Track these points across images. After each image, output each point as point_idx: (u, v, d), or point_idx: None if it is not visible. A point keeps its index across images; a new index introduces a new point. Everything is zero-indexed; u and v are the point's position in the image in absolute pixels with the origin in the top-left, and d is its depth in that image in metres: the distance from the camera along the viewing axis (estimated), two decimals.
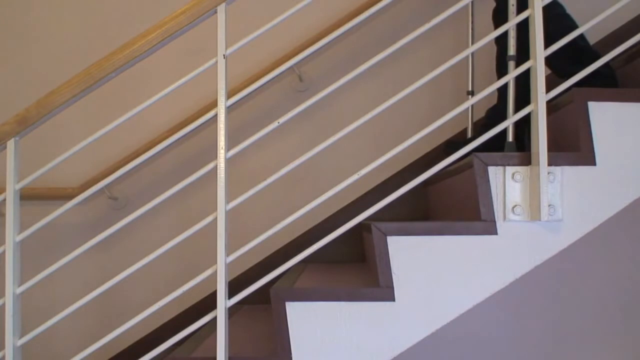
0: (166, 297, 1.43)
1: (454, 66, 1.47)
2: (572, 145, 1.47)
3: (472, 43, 2.18)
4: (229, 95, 1.45)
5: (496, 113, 1.89)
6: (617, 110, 1.44)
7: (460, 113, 1.49)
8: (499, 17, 1.92)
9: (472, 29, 2.19)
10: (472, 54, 2.19)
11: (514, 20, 1.53)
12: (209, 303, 1.43)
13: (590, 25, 1.47)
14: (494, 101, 2.02)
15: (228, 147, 1.43)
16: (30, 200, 2.18)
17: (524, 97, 1.51)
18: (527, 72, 1.46)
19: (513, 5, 1.65)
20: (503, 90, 1.75)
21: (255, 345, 1.62)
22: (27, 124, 1.43)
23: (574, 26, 1.81)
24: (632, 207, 1.43)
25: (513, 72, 1.51)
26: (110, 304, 2.30)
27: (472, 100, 1.48)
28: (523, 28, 1.54)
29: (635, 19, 2.27)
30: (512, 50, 1.67)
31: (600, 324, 2.07)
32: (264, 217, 2.31)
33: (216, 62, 1.43)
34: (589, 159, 1.42)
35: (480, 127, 2.04)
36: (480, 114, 2.23)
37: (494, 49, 1.98)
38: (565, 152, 1.43)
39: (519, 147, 1.65)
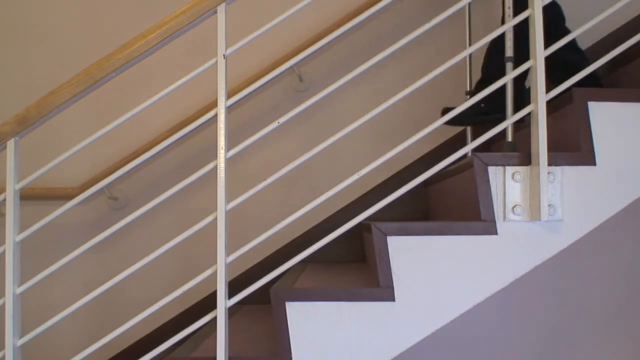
0: (166, 297, 1.43)
1: (453, 66, 1.47)
2: (572, 145, 1.48)
3: (470, 44, 2.18)
4: (229, 95, 1.45)
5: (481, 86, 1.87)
6: (617, 110, 1.44)
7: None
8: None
9: (469, 29, 2.19)
10: (470, 54, 2.19)
11: (511, 21, 1.52)
12: (209, 303, 1.43)
13: (590, 26, 1.47)
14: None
15: (228, 147, 1.43)
16: (30, 200, 2.18)
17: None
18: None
19: (509, 8, 1.65)
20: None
21: (255, 345, 1.62)
22: (27, 124, 1.43)
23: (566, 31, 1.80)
24: (632, 207, 1.43)
25: (512, 73, 1.51)
26: (110, 304, 2.30)
27: (471, 100, 1.48)
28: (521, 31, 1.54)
29: (636, 19, 2.28)
30: (509, 51, 1.67)
31: (600, 324, 2.08)
32: (264, 217, 2.31)
33: (216, 62, 1.43)
34: (589, 159, 1.42)
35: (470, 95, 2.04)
36: None
37: None
38: (565, 152, 1.43)
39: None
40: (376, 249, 1.42)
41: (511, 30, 1.66)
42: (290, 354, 1.41)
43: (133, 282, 2.04)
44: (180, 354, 1.56)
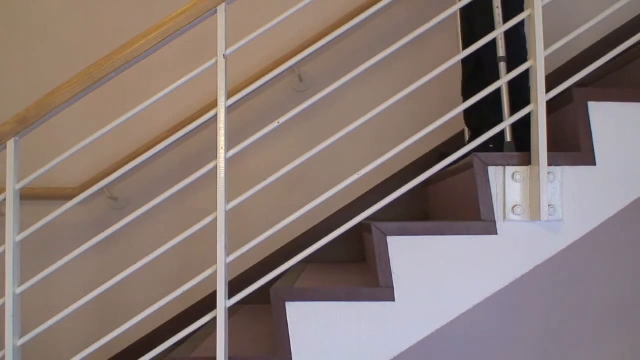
0: (166, 297, 1.43)
1: (453, 66, 1.48)
2: (572, 145, 1.47)
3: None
4: (229, 95, 1.45)
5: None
6: (617, 110, 1.44)
7: (460, 114, 1.50)
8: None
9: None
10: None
11: (510, 22, 1.52)
12: (209, 303, 1.43)
13: (590, 26, 1.47)
14: None
15: (228, 147, 1.43)
16: (30, 200, 2.18)
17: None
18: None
19: (498, 7, 1.65)
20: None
21: (255, 345, 1.62)
22: (27, 124, 1.43)
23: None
24: (632, 207, 1.43)
25: (510, 74, 1.51)
26: (110, 304, 2.30)
27: (469, 102, 1.48)
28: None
29: (636, 19, 2.28)
30: (501, 51, 1.67)
31: (599, 324, 2.08)
32: (264, 217, 2.31)
33: (216, 62, 1.43)
34: (589, 159, 1.42)
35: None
36: None
37: None
38: (565, 152, 1.43)
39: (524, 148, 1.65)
40: (376, 249, 1.42)
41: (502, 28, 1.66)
42: (290, 354, 1.41)
43: (133, 282, 2.05)
44: (180, 354, 1.56)
